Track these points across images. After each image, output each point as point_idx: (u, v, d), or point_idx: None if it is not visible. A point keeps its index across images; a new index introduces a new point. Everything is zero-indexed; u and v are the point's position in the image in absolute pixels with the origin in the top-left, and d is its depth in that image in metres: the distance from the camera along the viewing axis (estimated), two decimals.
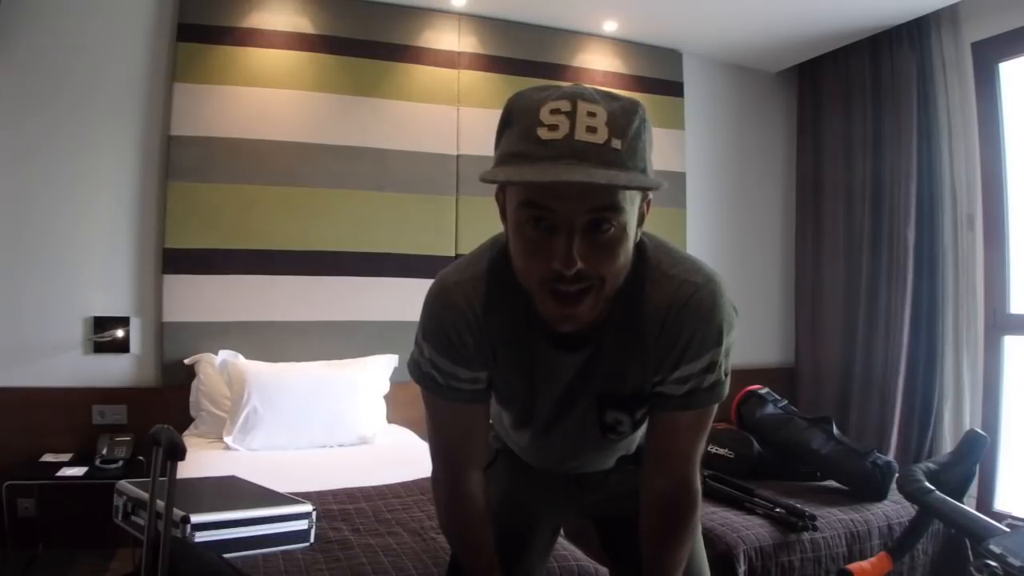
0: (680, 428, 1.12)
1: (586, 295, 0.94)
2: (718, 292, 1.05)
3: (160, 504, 1.48)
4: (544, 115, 0.89)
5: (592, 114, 0.88)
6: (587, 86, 0.94)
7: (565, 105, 0.89)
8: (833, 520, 2.34)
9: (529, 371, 1.13)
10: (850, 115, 4.07)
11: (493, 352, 1.11)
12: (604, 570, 1.77)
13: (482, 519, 1.22)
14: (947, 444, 3.40)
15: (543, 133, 0.88)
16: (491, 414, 1.27)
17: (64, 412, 3.05)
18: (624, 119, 0.89)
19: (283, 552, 1.81)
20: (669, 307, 1.04)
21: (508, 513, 1.36)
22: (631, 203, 0.93)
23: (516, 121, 0.92)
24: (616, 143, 0.88)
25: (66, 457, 2.93)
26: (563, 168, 0.85)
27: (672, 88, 4.13)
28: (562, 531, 1.73)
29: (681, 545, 1.17)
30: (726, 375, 1.09)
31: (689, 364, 1.06)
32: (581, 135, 0.87)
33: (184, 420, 3.09)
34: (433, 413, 1.19)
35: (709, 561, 1.41)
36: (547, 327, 1.04)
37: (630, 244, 0.95)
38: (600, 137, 0.87)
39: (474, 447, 1.22)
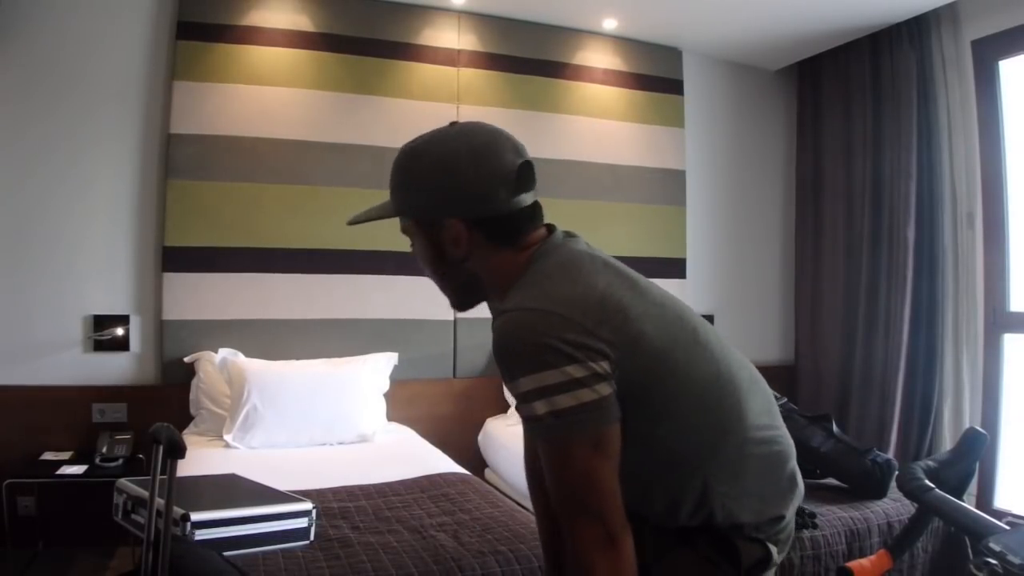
0: (541, 457, 1.04)
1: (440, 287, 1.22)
2: (513, 323, 1.01)
3: (160, 502, 1.48)
4: None
5: None
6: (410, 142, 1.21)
7: None
8: (833, 518, 2.34)
9: None
10: (850, 113, 4.06)
11: None
12: None
13: None
14: (947, 442, 3.40)
15: None
16: None
17: (64, 410, 3.05)
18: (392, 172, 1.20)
19: (283, 550, 1.81)
20: None
21: None
22: (414, 227, 1.21)
23: None
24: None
25: (66, 455, 2.93)
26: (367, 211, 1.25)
27: (672, 86, 4.13)
28: None
29: None
30: (542, 417, 0.98)
31: (509, 384, 1.03)
32: None
33: (184, 418, 3.09)
34: None
35: None
36: None
37: (434, 255, 1.17)
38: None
39: None
